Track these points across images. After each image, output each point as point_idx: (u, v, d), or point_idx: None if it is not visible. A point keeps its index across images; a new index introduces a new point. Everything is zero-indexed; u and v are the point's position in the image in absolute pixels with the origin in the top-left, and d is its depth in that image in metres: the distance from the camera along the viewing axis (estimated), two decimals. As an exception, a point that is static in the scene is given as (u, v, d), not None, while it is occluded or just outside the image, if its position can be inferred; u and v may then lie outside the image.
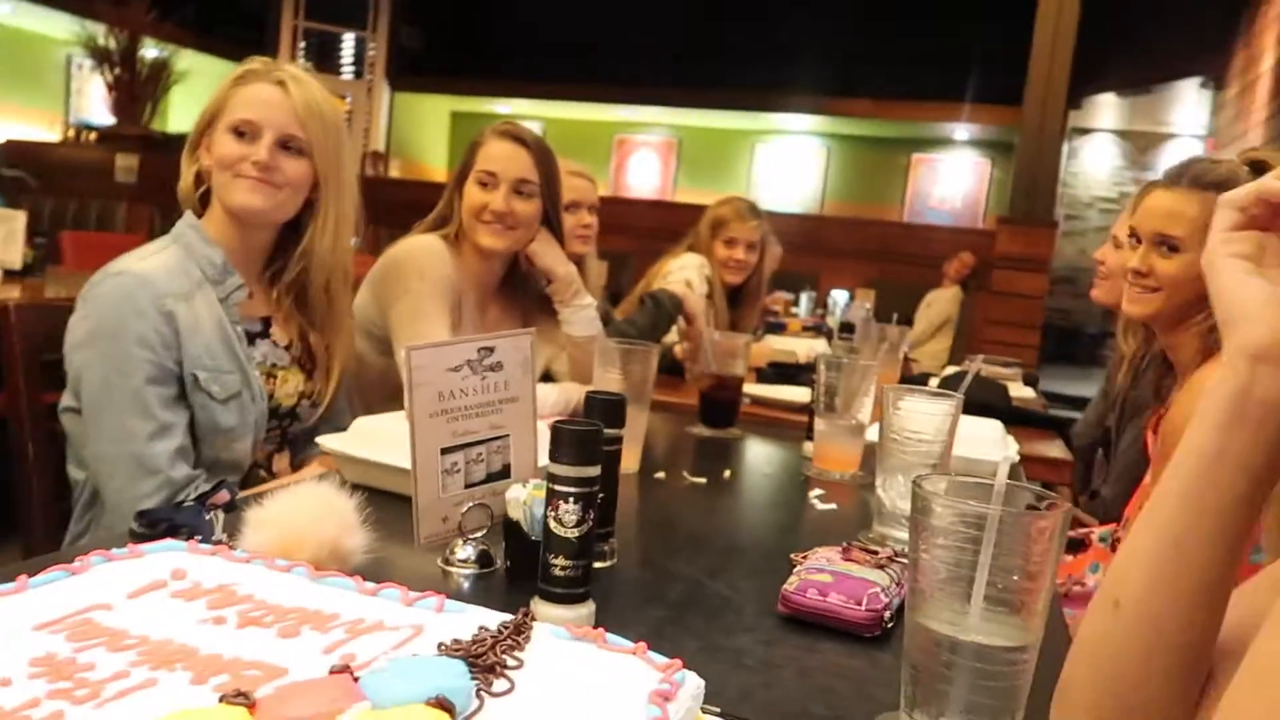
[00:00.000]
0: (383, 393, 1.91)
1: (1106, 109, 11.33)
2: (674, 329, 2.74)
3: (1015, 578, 0.68)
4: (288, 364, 1.59)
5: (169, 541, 0.77)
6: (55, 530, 1.50)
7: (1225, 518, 0.59)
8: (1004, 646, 0.68)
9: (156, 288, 1.40)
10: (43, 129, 9.93)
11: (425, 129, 13.31)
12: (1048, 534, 0.67)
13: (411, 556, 1.03)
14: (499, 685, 0.57)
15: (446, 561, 1.03)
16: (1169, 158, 11.41)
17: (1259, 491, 0.60)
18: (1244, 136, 7.76)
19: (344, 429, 1.40)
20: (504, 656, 0.59)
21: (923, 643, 0.70)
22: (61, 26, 9.27)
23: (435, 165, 13.22)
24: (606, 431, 0.91)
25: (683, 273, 2.89)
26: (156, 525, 0.93)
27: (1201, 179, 1.58)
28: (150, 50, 8.48)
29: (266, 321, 1.59)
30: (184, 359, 1.41)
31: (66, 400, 1.44)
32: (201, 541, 0.78)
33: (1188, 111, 11.12)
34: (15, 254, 3.65)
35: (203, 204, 1.54)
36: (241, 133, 1.48)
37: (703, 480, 1.54)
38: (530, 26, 11.32)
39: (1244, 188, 0.65)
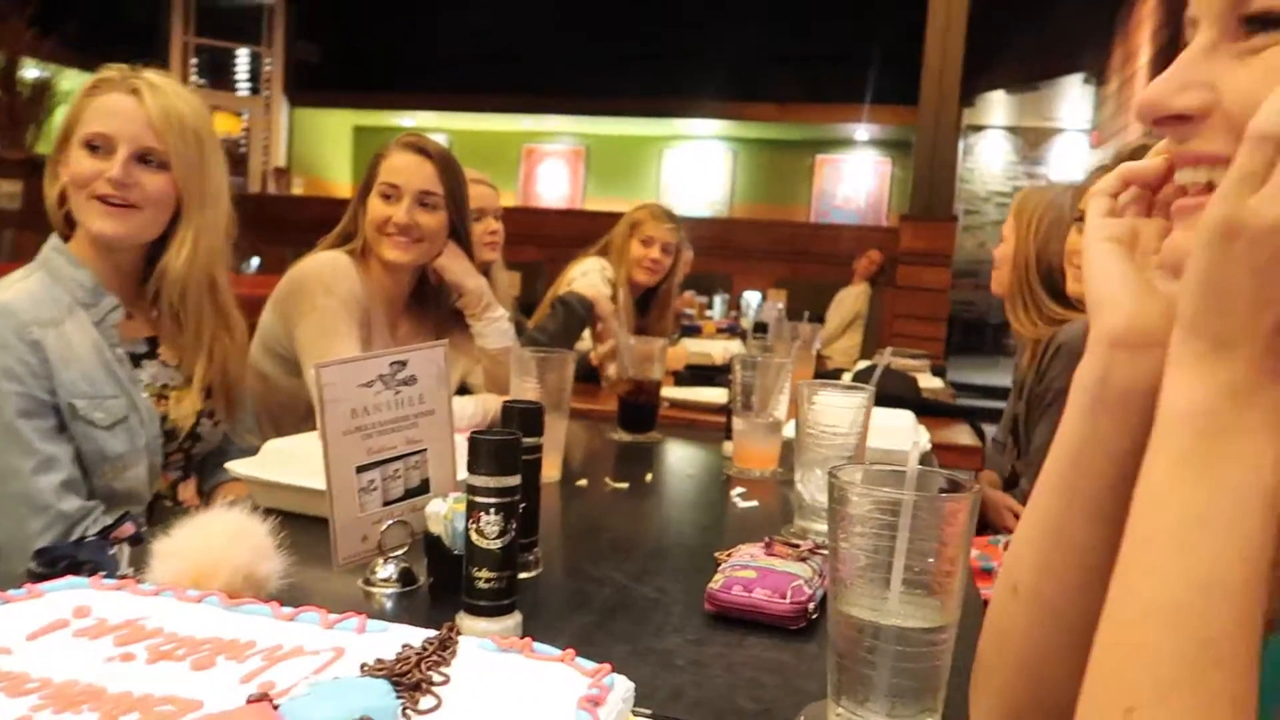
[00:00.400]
0: (294, 415, 1.86)
1: (997, 106, 11.76)
2: (585, 333, 2.74)
3: (931, 560, 0.69)
4: (180, 384, 1.53)
5: (70, 579, 0.74)
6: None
7: (1098, 503, 0.58)
8: (923, 628, 0.70)
9: (18, 317, 1.34)
10: (-84, 156, 9.41)
11: (327, 144, 13.04)
12: (960, 515, 0.69)
13: (331, 579, 1.01)
14: (425, 702, 0.56)
15: (367, 582, 1.01)
16: (1057, 151, 11.92)
17: (1129, 478, 0.58)
18: (1125, 129, 8.15)
19: (253, 453, 1.36)
20: (429, 673, 0.59)
21: (846, 630, 0.71)
22: (-68, 47, 8.80)
23: (339, 181, 12.96)
24: (525, 440, 0.91)
25: (585, 278, 2.89)
26: (56, 564, 0.89)
27: None
28: (31, 70, 8.12)
29: (152, 341, 1.52)
30: (58, 388, 1.35)
31: None
32: (106, 577, 0.75)
33: (1073, 107, 11.62)
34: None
35: (70, 224, 1.47)
36: (95, 147, 1.40)
37: (625, 485, 1.55)
38: (431, 38, 11.20)
39: (1110, 174, 0.66)
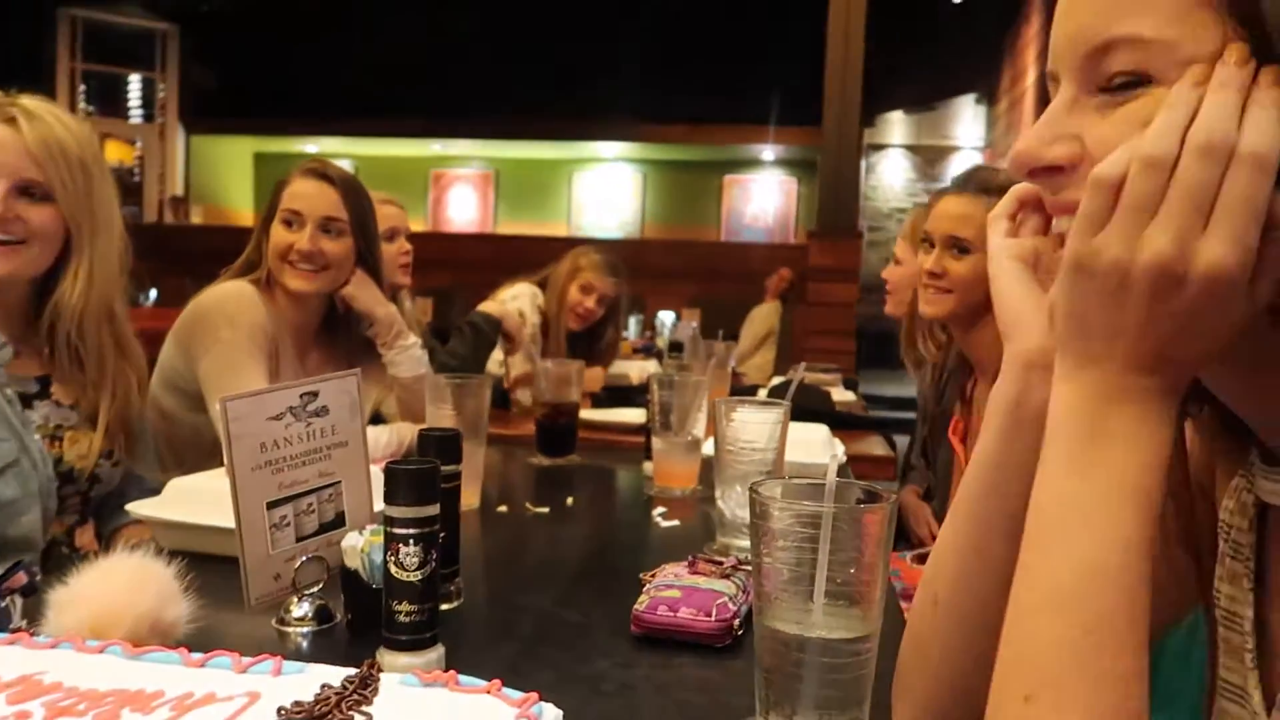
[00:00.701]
0: (198, 452, 1.79)
1: (897, 126, 12.17)
2: (493, 356, 2.71)
3: (853, 570, 0.70)
4: (76, 423, 1.46)
5: (-43, 635, 0.70)
6: None
7: (1015, 521, 0.59)
8: (847, 639, 0.70)
9: None
10: None
11: (227, 172, 12.71)
12: (878, 525, 0.71)
13: (243, 621, 0.97)
14: (347, 744, 0.54)
15: (282, 621, 0.97)
16: (954, 168, 12.37)
17: None
18: (1017, 146, 8.48)
19: (156, 493, 1.30)
20: (351, 713, 0.57)
21: (772, 645, 0.72)
22: None
23: (240, 209, 12.63)
24: (443, 468, 0.89)
25: (515, 302, 2.87)
26: (-59, 619, 0.84)
27: (986, 185, 1.72)
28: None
29: (44, 380, 1.45)
30: None
31: None
32: (-3, 631, 0.71)
33: (967, 126, 12.12)
34: None
35: None
36: None
37: (546, 510, 1.53)
38: (333, 63, 11.01)
39: (1005, 198, 0.68)
